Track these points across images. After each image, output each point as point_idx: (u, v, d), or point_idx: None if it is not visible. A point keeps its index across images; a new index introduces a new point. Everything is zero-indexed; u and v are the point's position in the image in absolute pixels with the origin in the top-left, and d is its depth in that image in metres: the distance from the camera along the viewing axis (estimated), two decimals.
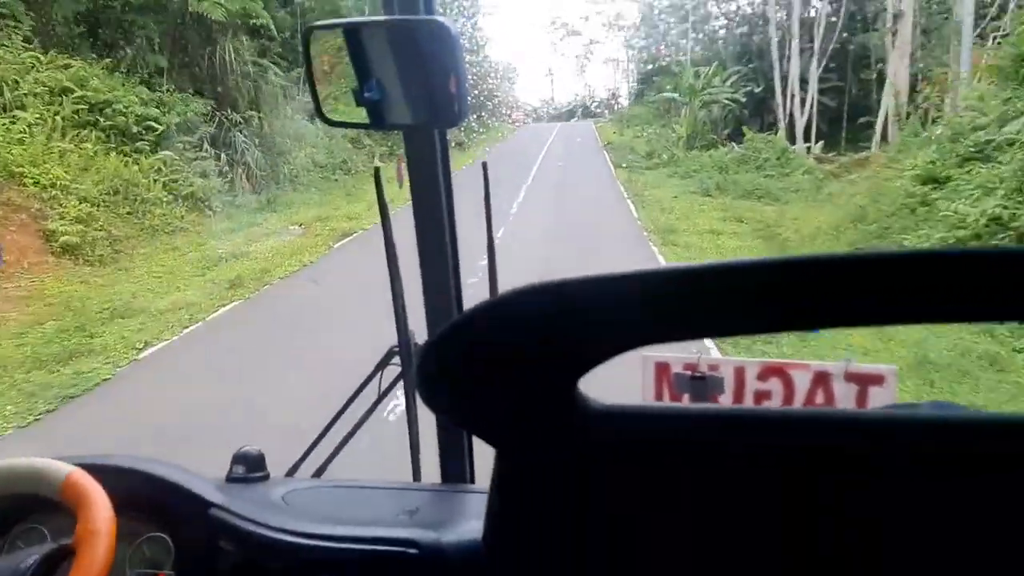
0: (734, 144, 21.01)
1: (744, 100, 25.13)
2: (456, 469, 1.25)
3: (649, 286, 0.35)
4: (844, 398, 1.91)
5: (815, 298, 0.34)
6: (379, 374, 1.20)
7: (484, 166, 1.19)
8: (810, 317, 0.35)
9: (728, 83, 25.31)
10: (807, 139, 22.70)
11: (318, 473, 1.19)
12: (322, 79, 1.14)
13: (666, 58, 41.02)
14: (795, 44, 24.33)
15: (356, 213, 12.61)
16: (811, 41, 24.84)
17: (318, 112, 1.07)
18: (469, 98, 0.98)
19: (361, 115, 1.02)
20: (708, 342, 4.78)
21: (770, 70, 25.79)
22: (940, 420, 0.38)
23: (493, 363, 0.38)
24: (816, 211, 12.34)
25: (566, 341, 0.37)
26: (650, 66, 43.05)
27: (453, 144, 12.83)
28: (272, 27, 14.62)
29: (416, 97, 1.02)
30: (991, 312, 0.35)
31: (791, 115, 24.23)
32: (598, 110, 57.28)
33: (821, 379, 1.96)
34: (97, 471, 0.78)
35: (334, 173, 16.42)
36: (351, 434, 1.23)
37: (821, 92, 24.34)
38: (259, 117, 14.15)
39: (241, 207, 12.56)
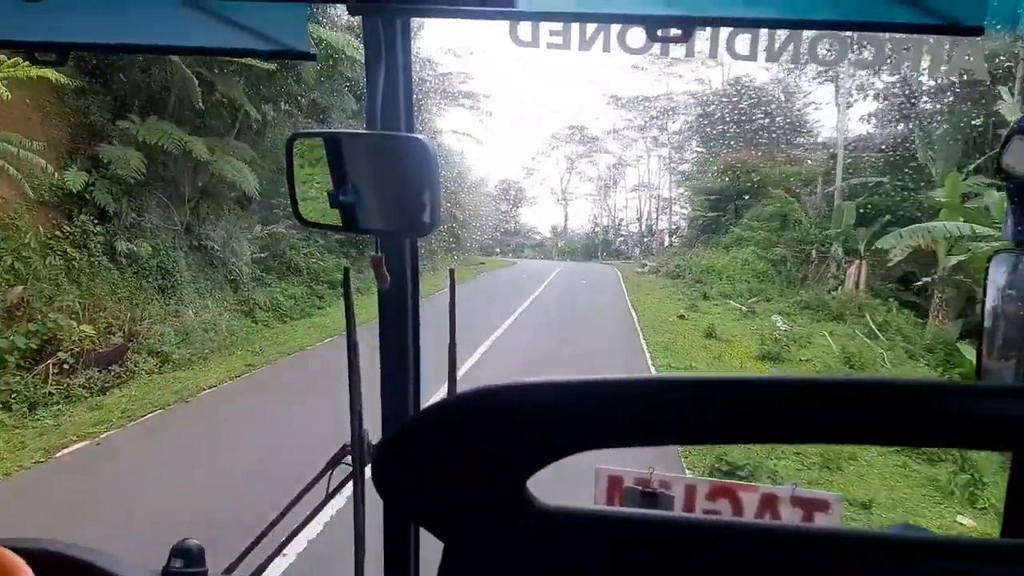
0: None
1: None
2: (401, 571, 1.21)
3: (596, 393, 0.38)
4: (790, 522, 1.93)
5: (758, 414, 0.37)
6: (329, 472, 1.18)
7: (451, 273, 1.24)
8: (750, 431, 0.39)
9: None
10: None
11: (259, 571, 1.14)
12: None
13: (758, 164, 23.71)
14: None
15: None
16: None
17: (295, 212, 1.12)
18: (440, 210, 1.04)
19: (335, 217, 1.07)
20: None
21: None
22: (911, 540, 0.39)
23: (445, 460, 0.40)
24: None
25: (514, 442, 0.39)
26: (711, 179, 26.14)
27: None
28: None
29: (390, 205, 1.08)
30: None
31: None
32: (623, 247, 41.22)
33: (768, 501, 1.99)
34: (23, 553, 0.75)
35: None
36: (295, 533, 1.19)
37: None
38: None
39: None
